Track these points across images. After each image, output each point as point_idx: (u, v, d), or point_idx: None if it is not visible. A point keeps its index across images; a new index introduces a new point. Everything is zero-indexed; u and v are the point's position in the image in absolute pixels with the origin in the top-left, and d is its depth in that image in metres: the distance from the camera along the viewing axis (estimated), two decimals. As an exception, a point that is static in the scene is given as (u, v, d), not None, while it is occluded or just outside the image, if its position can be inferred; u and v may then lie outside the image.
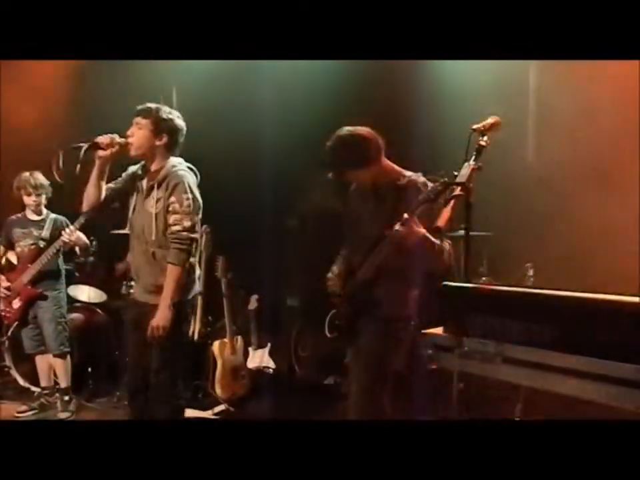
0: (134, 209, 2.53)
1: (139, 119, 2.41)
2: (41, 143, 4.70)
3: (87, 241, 3.70)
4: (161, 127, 2.41)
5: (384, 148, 2.26)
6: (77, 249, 3.70)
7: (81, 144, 2.33)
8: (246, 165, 4.53)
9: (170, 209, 2.40)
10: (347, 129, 2.24)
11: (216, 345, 3.84)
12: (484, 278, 3.10)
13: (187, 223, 2.41)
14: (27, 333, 3.60)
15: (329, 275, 2.39)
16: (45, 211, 3.63)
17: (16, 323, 3.72)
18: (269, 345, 4.25)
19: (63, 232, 3.43)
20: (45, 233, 3.55)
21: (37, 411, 3.64)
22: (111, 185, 2.53)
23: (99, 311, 4.35)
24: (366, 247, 2.27)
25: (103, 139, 2.37)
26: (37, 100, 4.79)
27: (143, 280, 2.52)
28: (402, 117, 3.49)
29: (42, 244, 3.52)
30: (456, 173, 1.88)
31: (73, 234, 3.42)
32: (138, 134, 2.41)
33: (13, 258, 3.66)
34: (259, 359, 4.18)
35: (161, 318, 2.38)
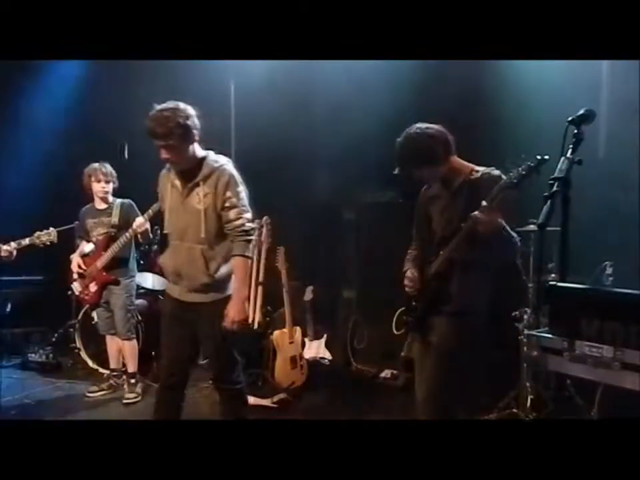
0: (172, 209, 2.45)
1: (162, 142, 2.28)
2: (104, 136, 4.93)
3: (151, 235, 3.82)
4: (185, 130, 2.29)
5: (454, 145, 2.22)
6: (149, 235, 3.80)
7: None
8: (304, 158, 4.57)
9: (227, 204, 2.36)
10: (416, 127, 2.20)
11: (276, 335, 3.92)
12: (553, 274, 3.04)
13: (248, 215, 2.42)
14: (101, 315, 3.78)
15: (408, 276, 2.35)
16: (111, 198, 3.78)
17: (87, 306, 3.93)
18: (325, 336, 4.30)
19: (136, 220, 3.56)
20: (114, 219, 3.69)
21: (106, 391, 3.82)
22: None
23: (161, 297, 4.50)
24: (439, 244, 2.25)
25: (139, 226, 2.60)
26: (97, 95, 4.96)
27: (188, 279, 2.42)
28: (474, 115, 3.44)
29: (113, 231, 3.66)
30: (539, 157, 1.85)
31: (144, 225, 3.55)
32: (173, 151, 2.30)
33: (87, 248, 3.81)
34: (316, 349, 4.23)
35: (238, 312, 2.37)
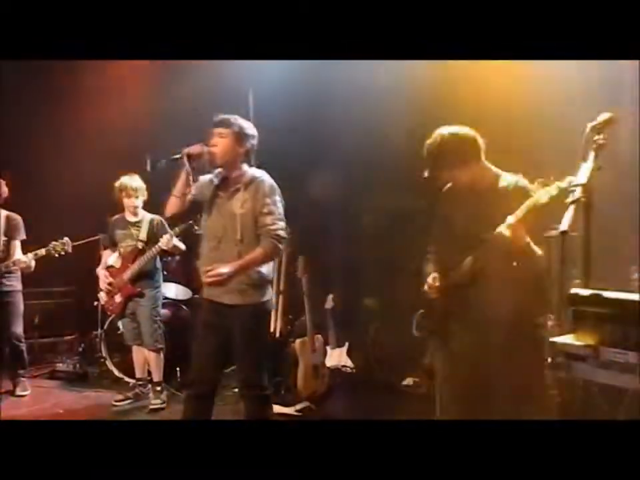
0: (211, 213, 2.57)
1: (220, 130, 2.50)
2: (128, 145, 5.03)
3: (183, 247, 3.85)
4: (242, 135, 2.52)
5: (484, 149, 2.24)
6: (179, 250, 3.86)
7: (176, 156, 2.49)
8: (322, 165, 4.59)
9: (265, 210, 2.48)
10: (447, 128, 2.22)
11: (297, 343, 3.94)
12: (577, 280, 3.00)
13: (282, 223, 2.53)
14: (127, 325, 3.86)
15: (429, 281, 2.36)
16: (141, 212, 3.86)
17: (113, 316, 4.02)
18: (347, 344, 4.31)
19: (160, 239, 3.63)
20: (142, 234, 3.77)
21: (132, 400, 3.89)
22: (190, 192, 2.57)
23: (183, 307, 4.58)
24: (461, 249, 2.25)
25: (194, 150, 2.50)
26: (119, 102, 5.04)
27: (227, 281, 2.45)
28: (498, 118, 3.41)
29: (140, 245, 3.74)
30: (570, 179, 1.85)
31: (170, 242, 3.62)
32: (222, 143, 2.49)
33: (111, 259, 3.91)
34: (337, 357, 4.25)
35: (226, 272, 2.40)
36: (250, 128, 2.57)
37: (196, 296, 4.79)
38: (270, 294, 2.63)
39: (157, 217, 3.85)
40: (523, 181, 2.19)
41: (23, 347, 4.07)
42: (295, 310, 4.20)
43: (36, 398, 4.00)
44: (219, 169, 2.60)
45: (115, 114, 4.97)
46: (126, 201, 3.77)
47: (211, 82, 4.67)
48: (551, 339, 1.47)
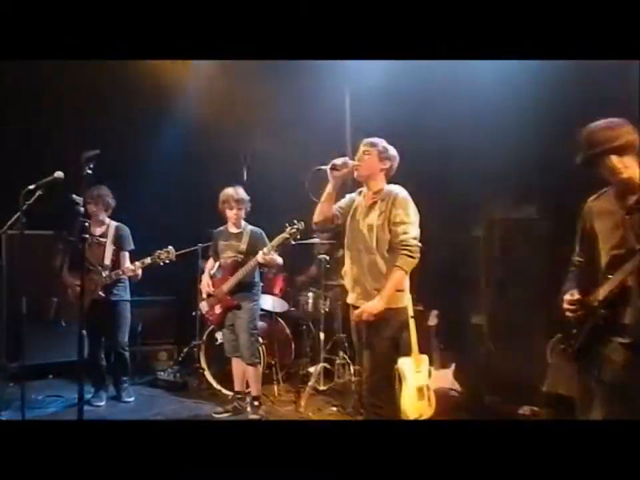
0: (353, 225, 2.85)
1: (367, 148, 2.82)
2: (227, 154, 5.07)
3: (280, 261, 3.78)
4: (385, 155, 2.81)
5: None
6: (274, 264, 3.80)
7: (322, 167, 2.71)
8: (422, 172, 4.30)
9: (397, 220, 2.67)
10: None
11: (401, 363, 3.67)
12: None
13: (415, 232, 2.68)
14: (227, 337, 3.82)
15: (569, 298, 2.17)
16: (243, 223, 3.83)
17: (212, 326, 4.00)
18: (453, 365, 3.99)
19: (259, 253, 3.57)
20: (243, 246, 3.73)
21: (230, 413, 3.83)
22: (336, 205, 2.86)
23: (280, 320, 4.51)
24: (610, 263, 2.06)
25: (338, 162, 2.71)
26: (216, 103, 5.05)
27: (364, 286, 2.75)
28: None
29: (240, 257, 3.70)
30: None
31: (267, 256, 3.55)
32: (366, 159, 2.80)
33: (214, 269, 3.91)
34: (443, 380, 3.94)
35: (373, 306, 2.61)
36: (392, 150, 2.84)
37: (292, 309, 4.72)
38: (407, 300, 2.81)
39: (257, 229, 3.81)
40: None
41: (127, 354, 4.16)
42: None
43: (139, 405, 4.07)
44: (362, 188, 2.88)
45: (212, 119, 5.02)
46: (228, 212, 3.76)
47: (308, 85, 4.55)
48: None
